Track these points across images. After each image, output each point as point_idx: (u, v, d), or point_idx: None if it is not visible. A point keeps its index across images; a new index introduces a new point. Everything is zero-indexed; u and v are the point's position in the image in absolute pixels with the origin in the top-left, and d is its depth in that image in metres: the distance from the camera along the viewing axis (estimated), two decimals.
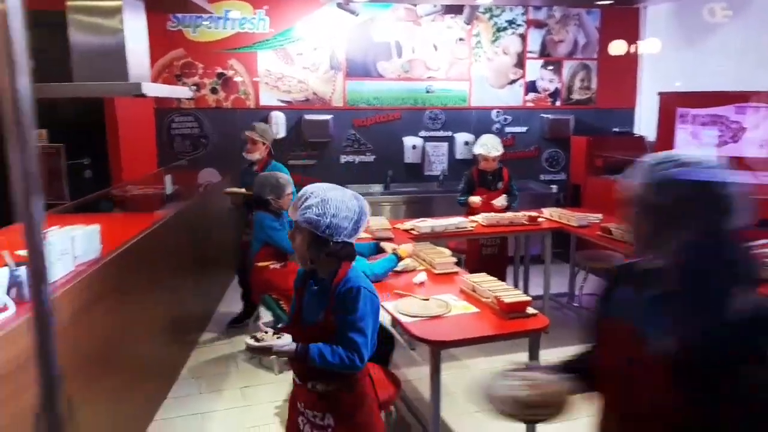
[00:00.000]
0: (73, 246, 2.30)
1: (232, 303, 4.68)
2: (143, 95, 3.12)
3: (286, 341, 1.82)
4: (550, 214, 4.36)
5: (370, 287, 1.87)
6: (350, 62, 5.65)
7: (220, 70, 5.40)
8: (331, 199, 1.82)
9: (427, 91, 5.89)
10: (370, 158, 5.87)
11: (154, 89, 3.25)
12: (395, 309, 2.53)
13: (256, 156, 4.18)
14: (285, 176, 3.64)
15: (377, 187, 5.81)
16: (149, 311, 3.13)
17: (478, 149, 4.37)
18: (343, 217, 1.81)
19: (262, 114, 5.47)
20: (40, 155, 3.23)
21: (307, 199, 1.84)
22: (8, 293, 1.92)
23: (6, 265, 1.95)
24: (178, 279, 3.71)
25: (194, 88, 5.28)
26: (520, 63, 6.05)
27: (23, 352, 1.89)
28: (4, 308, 1.86)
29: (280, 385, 3.52)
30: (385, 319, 3.57)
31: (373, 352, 1.88)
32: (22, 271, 1.96)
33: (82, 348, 2.32)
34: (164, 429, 3.06)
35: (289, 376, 3.61)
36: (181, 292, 3.76)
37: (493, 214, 4.13)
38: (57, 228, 2.27)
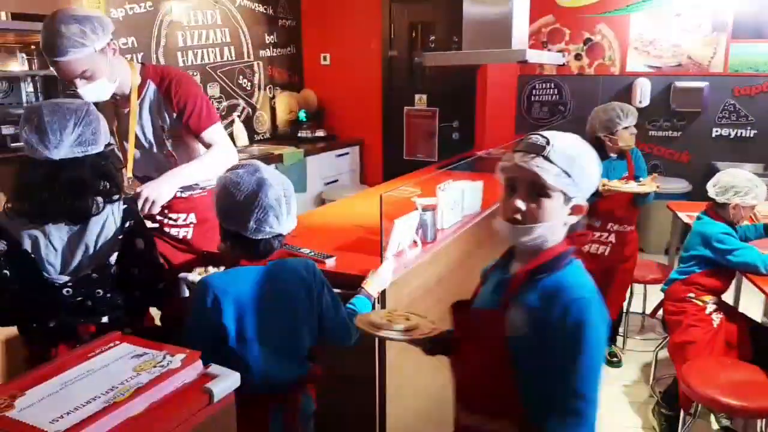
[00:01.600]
0: (462, 198, 2.56)
1: None
2: (525, 62, 3.25)
3: None
4: None
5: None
6: (738, 22, 4.90)
7: (587, 35, 5.27)
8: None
9: None
10: (749, 133, 5.07)
11: (535, 56, 3.35)
12: None
13: None
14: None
15: (755, 167, 4.99)
16: None
17: None
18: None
19: (626, 81, 5.18)
20: (419, 117, 3.68)
21: None
22: (416, 233, 2.24)
23: (416, 209, 2.27)
24: None
25: (564, 55, 5.28)
26: None
27: (427, 280, 2.23)
28: (414, 245, 2.19)
29: (626, 364, 3.39)
30: None
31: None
32: (428, 216, 2.27)
33: (461, 290, 2.59)
34: None
35: (633, 354, 3.42)
36: None
37: None
38: (451, 181, 2.55)
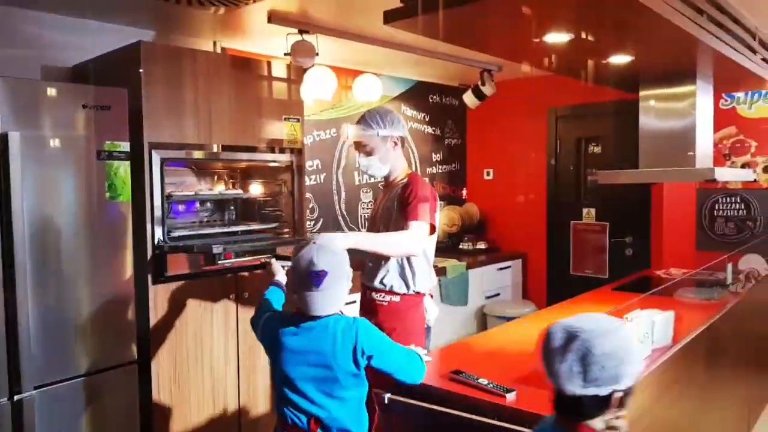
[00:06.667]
0: (652, 330, 2.35)
1: None
2: (714, 180, 3.04)
3: None
4: None
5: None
6: None
7: None
8: None
9: None
10: None
11: (723, 174, 3.13)
12: None
13: None
14: None
15: None
16: (706, 410, 2.94)
17: None
18: None
19: None
20: (587, 232, 3.50)
21: None
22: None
23: None
24: (732, 374, 3.39)
25: (755, 171, 4.88)
26: None
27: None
28: None
29: None
30: None
31: None
32: None
33: None
34: None
35: None
36: (732, 390, 3.41)
37: None
38: (639, 310, 2.37)
